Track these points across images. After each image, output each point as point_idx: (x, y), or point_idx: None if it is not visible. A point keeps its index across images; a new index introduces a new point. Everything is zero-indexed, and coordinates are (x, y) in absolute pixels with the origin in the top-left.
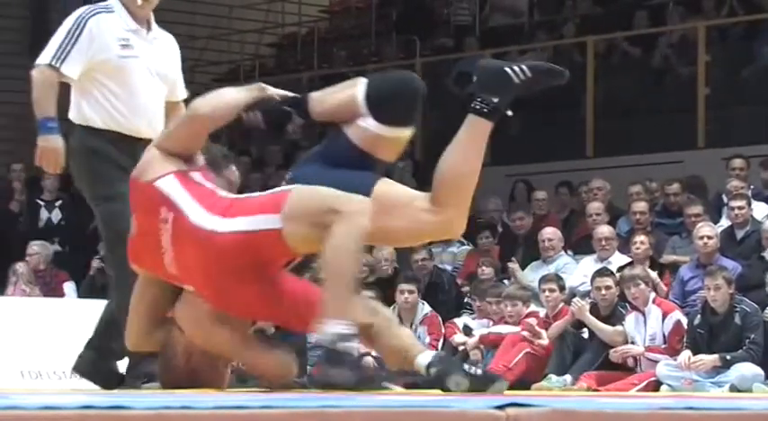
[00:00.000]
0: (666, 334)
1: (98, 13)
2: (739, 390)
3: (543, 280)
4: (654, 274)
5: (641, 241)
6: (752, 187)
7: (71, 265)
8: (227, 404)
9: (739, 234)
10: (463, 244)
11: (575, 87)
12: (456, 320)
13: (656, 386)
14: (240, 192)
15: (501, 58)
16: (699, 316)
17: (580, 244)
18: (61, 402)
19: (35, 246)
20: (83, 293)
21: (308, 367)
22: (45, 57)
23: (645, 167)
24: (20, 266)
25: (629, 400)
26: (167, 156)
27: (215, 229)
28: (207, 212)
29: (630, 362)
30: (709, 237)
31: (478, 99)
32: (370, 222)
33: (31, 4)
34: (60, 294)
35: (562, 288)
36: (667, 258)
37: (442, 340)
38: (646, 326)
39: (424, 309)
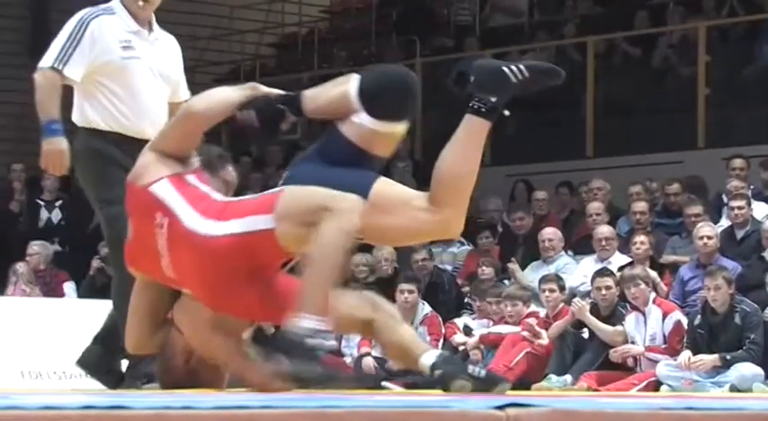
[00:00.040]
0: (666, 334)
1: (99, 15)
2: (739, 390)
3: (543, 280)
4: (654, 274)
5: (641, 241)
6: (752, 187)
7: (71, 265)
8: (228, 404)
9: (739, 234)
10: (463, 244)
11: (575, 87)
12: (456, 320)
13: (656, 386)
14: (241, 192)
15: (501, 59)
16: (699, 316)
17: (580, 244)
18: (62, 402)
19: (35, 246)
20: (83, 293)
21: None
22: (47, 60)
23: (645, 167)
24: (20, 266)
25: (629, 400)
26: (163, 159)
27: (209, 234)
28: (201, 217)
29: (630, 362)
30: (710, 238)
31: (476, 98)
32: (360, 221)
33: (31, 3)
34: (60, 294)
35: (562, 288)
36: (667, 258)
37: (442, 340)
38: (646, 327)
39: (425, 309)
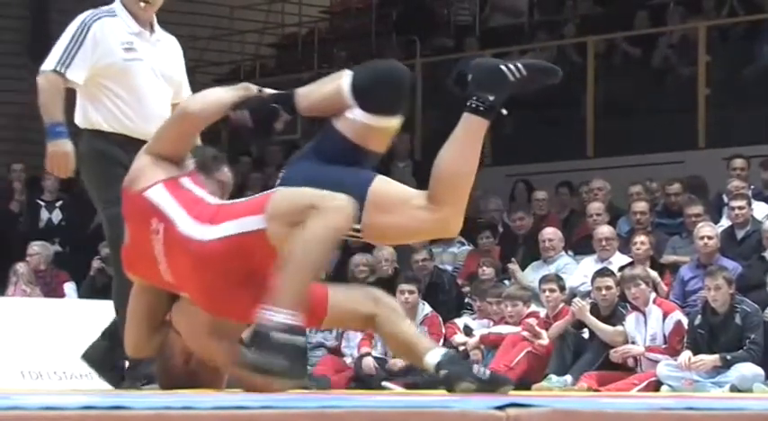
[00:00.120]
0: (667, 334)
1: (101, 17)
2: (740, 390)
3: (543, 280)
4: (654, 274)
5: (642, 241)
6: (752, 187)
7: (71, 266)
8: (227, 404)
9: (740, 234)
10: (464, 244)
11: (575, 87)
12: (456, 320)
13: (656, 386)
14: (240, 192)
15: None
16: (699, 316)
17: (580, 244)
18: (62, 402)
19: (35, 247)
20: (83, 294)
21: (309, 367)
22: (50, 63)
23: (645, 167)
24: (20, 267)
25: (629, 400)
26: (158, 163)
27: (203, 238)
28: (194, 222)
29: (631, 362)
30: (710, 238)
31: (474, 97)
32: (346, 222)
33: (31, 4)
34: (61, 295)
35: (562, 288)
36: (668, 258)
37: (442, 340)
38: (646, 327)
39: (425, 309)
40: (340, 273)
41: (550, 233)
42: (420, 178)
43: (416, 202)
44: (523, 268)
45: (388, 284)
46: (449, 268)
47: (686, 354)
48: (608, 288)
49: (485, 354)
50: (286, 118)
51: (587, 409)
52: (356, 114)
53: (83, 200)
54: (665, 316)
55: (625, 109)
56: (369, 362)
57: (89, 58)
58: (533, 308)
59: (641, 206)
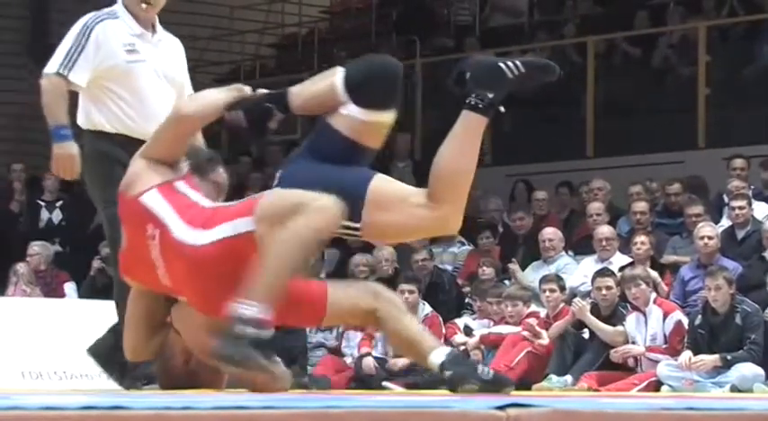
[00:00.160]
0: (667, 334)
1: (103, 19)
2: (740, 391)
3: (544, 280)
4: (655, 274)
5: (642, 241)
6: (752, 187)
7: (72, 266)
8: (228, 404)
9: (740, 234)
10: (464, 244)
11: (575, 87)
12: (457, 320)
13: (656, 386)
14: (241, 192)
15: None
16: (699, 316)
17: (581, 244)
18: (62, 402)
19: (36, 247)
20: (83, 294)
21: (309, 367)
22: (53, 65)
23: (645, 167)
24: (20, 267)
25: (629, 400)
26: (153, 167)
27: (197, 243)
28: (188, 226)
29: (631, 362)
30: (710, 238)
31: (473, 94)
32: (328, 222)
33: (31, 4)
34: (61, 295)
35: (562, 288)
36: (668, 258)
37: (442, 340)
38: (646, 327)
39: (425, 309)
40: (340, 273)
41: (550, 233)
42: (420, 178)
43: (416, 200)
44: (523, 268)
45: (389, 284)
46: (449, 268)
47: (686, 355)
48: (608, 288)
49: (485, 354)
50: (280, 117)
51: (587, 409)
52: (351, 110)
53: (83, 200)
54: (665, 316)
55: (625, 109)
56: (369, 363)
57: (92, 60)
58: (533, 308)
59: (641, 206)
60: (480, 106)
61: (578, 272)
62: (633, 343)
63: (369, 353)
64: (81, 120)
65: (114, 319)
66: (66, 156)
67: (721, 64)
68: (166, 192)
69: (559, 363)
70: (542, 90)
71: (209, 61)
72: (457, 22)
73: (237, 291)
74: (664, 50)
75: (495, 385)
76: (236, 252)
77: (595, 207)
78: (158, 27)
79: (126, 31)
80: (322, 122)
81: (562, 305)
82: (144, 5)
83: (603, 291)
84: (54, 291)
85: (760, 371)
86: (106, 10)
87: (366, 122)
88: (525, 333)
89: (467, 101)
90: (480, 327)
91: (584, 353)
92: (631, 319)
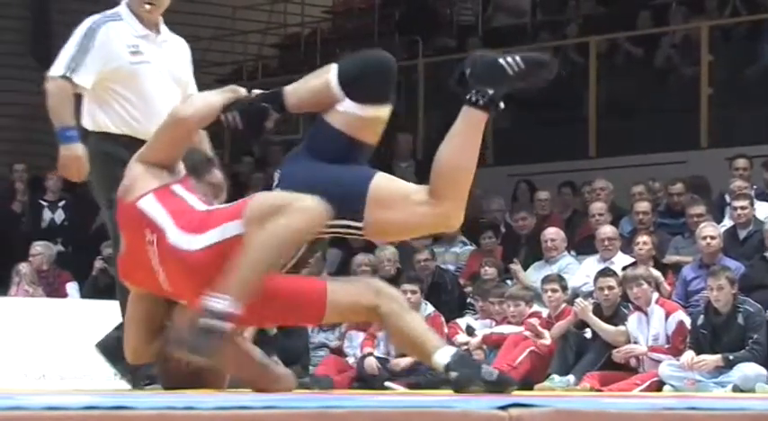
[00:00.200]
0: (669, 334)
1: (107, 21)
2: (742, 391)
3: (546, 280)
4: (658, 274)
5: (644, 241)
6: (755, 187)
7: (74, 266)
8: (230, 404)
9: (742, 234)
10: (466, 244)
11: (577, 87)
12: (459, 320)
13: (658, 386)
14: (243, 192)
15: None
16: (702, 316)
17: (583, 244)
18: (64, 402)
19: (38, 247)
20: (86, 294)
21: (311, 367)
22: (57, 68)
23: (648, 167)
24: (23, 267)
25: (632, 400)
26: (151, 171)
27: (190, 248)
28: (181, 232)
29: (633, 362)
30: (712, 238)
31: (474, 91)
32: (309, 223)
33: (32, 4)
34: (63, 295)
35: (564, 288)
36: (670, 258)
37: (444, 341)
38: (649, 327)
39: (427, 309)
40: (342, 273)
41: (553, 233)
42: (422, 178)
43: (417, 198)
44: (526, 268)
45: (391, 284)
46: (451, 268)
47: (689, 354)
48: (610, 288)
49: (487, 354)
50: (276, 116)
51: (590, 409)
52: (347, 106)
53: (85, 200)
54: (667, 316)
55: (627, 109)
56: (371, 363)
57: (96, 62)
58: (535, 308)
59: (644, 206)
60: (481, 102)
61: (580, 272)
62: (635, 343)
63: (371, 354)
64: (86, 122)
65: (119, 319)
66: (74, 157)
67: (724, 64)
68: (163, 197)
69: (561, 363)
70: (545, 90)
71: (212, 62)
72: (460, 22)
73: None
74: (666, 50)
75: (499, 385)
76: (228, 256)
77: (598, 207)
78: (163, 27)
79: (130, 33)
80: (319, 120)
81: (564, 305)
82: (147, 6)
83: (605, 291)
84: (56, 291)
85: (762, 370)
86: (110, 12)
87: (363, 117)
88: (527, 333)
89: (467, 97)
90: (482, 327)
91: (586, 353)
92: (633, 319)
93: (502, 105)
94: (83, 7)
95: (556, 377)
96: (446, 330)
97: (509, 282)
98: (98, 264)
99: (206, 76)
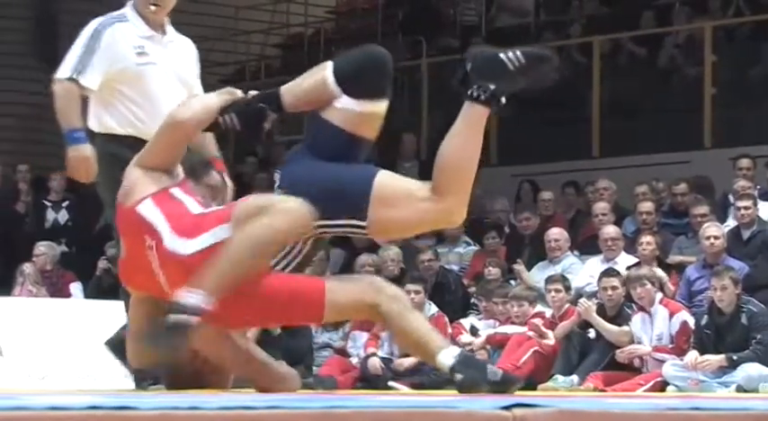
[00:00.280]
0: (673, 334)
1: (113, 23)
2: (746, 391)
3: (549, 280)
4: (662, 274)
5: (648, 241)
6: (758, 187)
7: (78, 266)
8: (234, 404)
9: (746, 234)
10: (469, 244)
11: (581, 87)
12: (462, 321)
13: (662, 386)
14: (247, 192)
15: None
16: (705, 316)
17: (586, 244)
18: (68, 402)
19: (42, 247)
20: (89, 294)
21: (314, 367)
22: (64, 70)
23: (651, 167)
24: (26, 267)
25: (635, 401)
26: (149, 175)
27: (185, 253)
28: (176, 236)
29: (637, 362)
30: (716, 238)
31: (475, 86)
32: (291, 224)
33: (36, 4)
34: (67, 295)
35: (568, 288)
36: (674, 258)
37: (448, 341)
38: (652, 327)
39: (431, 309)
40: (346, 274)
41: (556, 233)
42: (426, 178)
43: (420, 194)
44: (529, 268)
45: (394, 284)
46: (455, 268)
47: (692, 354)
48: (614, 288)
49: (491, 354)
50: (274, 117)
51: (593, 409)
52: (344, 102)
53: (89, 200)
54: (671, 316)
55: (631, 109)
56: (375, 363)
57: (102, 64)
58: (539, 308)
59: (647, 206)
60: (482, 97)
61: (584, 272)
62: (639, 343)
63: (374, 354)
64: (92, 124)
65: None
66: (82, 158)
67: (727, 64)
68: (161, 201)
69: (565, 363)
70: (548, 90)
71: (215, 62)
72: (463, 22)
73: (234, 297)
74: (670, 50)
75: (503, 385)
76: None
77: (601, 207)
78: (168, 28)
79: (136, 34)
80: (316, 118)
81: (568, 305)
82: (153, 8)
83: (609, 292)
84: (60, 292)
85: (766, 371)
86: (116, 13)
87: (361, 113)
88: (531, 333)
89: (469, 92)
90: (486, 328)
91: (589, 354)
92: (637, 319)
93: (503, 100)
94: (89, 8)
95: (559, 377)
96: (450, 330)
97: (513, 282)
98: (102, 264)
99: (209, 77)
